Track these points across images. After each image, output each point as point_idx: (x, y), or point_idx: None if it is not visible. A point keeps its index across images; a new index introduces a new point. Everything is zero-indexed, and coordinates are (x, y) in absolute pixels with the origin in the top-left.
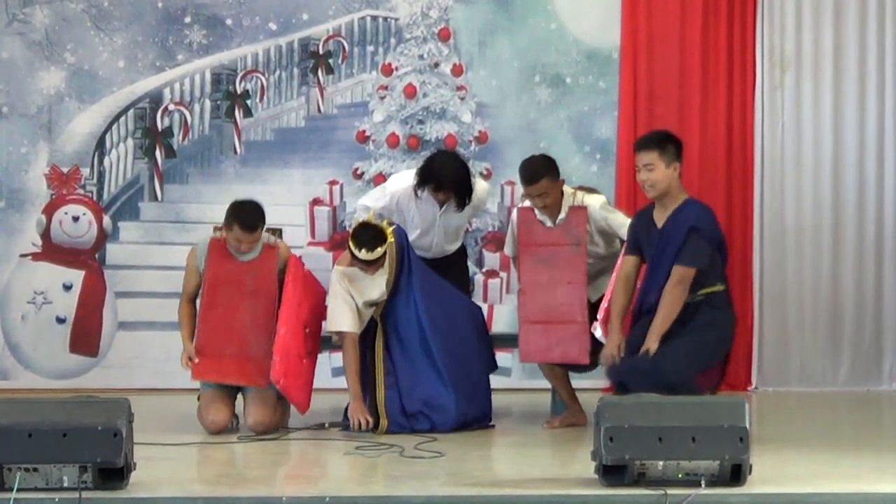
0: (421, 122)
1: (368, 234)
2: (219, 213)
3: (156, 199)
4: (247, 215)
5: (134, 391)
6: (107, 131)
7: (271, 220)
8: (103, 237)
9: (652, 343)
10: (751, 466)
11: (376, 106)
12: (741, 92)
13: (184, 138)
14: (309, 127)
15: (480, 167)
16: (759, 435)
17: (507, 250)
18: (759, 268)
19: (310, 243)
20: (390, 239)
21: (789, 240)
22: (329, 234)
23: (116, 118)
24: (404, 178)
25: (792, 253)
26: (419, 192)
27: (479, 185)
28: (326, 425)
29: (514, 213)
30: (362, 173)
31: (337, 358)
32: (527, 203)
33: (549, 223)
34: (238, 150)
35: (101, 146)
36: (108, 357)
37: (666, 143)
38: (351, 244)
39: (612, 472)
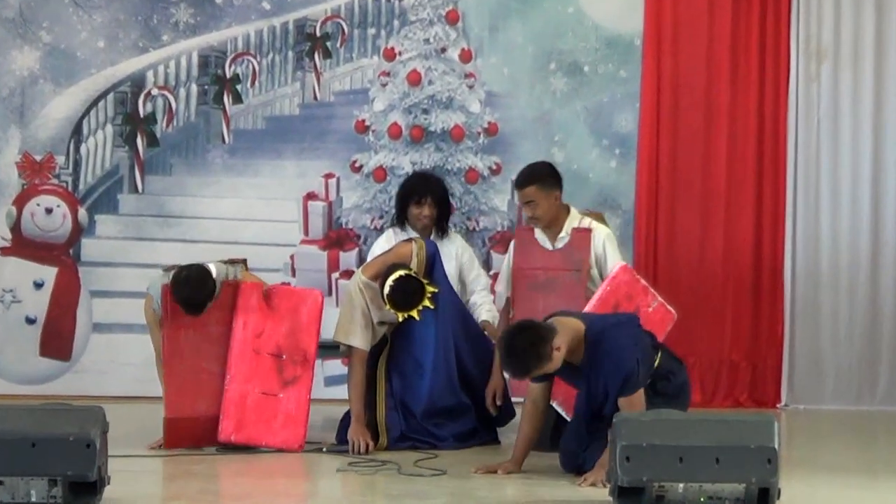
0: (425, 111)
1: (408, 293)
2: (204, 208)
3: (136, 190)
4: (189, 303)
5: (109, 399)
6: (84, 117)
7: (262, 214)
8: (78, 231)
9: (599, 476)
10: (779, 491)
11: (377, 93)
12: (774, 84)
13: (168, 125)
14: (304, 115)
15: (489, 161)
16: (788, 456)
17: (500, 286)
18: (790, 275)
19: (303, 241)
20: (430, 290)
21: (824, 245)
22: (324, 232)
23: (95, 102)
24: (387, 238)
25: (826, 259)
26: (400, 227)
27: (455, 235)
28: (324, 449)
29: (512, 242)
30: (361, 166)
31: (331, 366)
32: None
33: (549, 245)
34: (226, 140)
35: (77, 133)
36: (82, 361)
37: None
38: (389, 307)
39: (628, 495)
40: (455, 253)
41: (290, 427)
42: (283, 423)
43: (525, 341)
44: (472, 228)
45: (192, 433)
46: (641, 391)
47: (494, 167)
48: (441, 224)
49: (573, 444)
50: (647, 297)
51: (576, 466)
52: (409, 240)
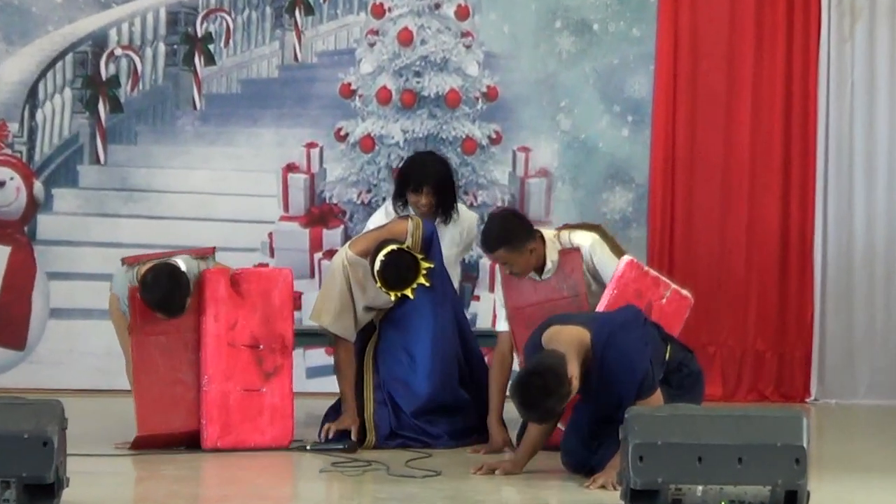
0: (418, 74)
1: (401, 268)
2: (173, 180)
3: (98, 161)
4: (166, 306)
5: (68, 392)
6: (40, 79)
7: (237, 188)
8: (34, 207)
9: (609, 477)
10: (808, 494)
11: (364, 54)
12: (803, 45)
13: (132, 89)
14: (283, 78)
15: (488, 130)
16: (818, 456)
17: (500, 325)
18: (820, 257)
19: (282, 218)
20: (425, 266)
21: (858, 223)
22: (306, 207)
23: (52, 64)
24: (386, 214)
25: (861, 239)
26: (398, 209)
27: (467, 214)
28: (308, 447)
29: (499, 279)
30: (346, 135)
31: (313, 356)
32: None
33: (537, 277)
34: (198, 105)
35: (32, 97)
36: (38, 351)
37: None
38: (380, 286)
39: (641, 498)
40: (459, 237)
41: (278, 422)
42: (269, 419)
43: (542, 391)
44: (469, 203)
45: (166, 447)
46: (659, 391)
47: (494, 136)
48: (444, 210)
49: (574, 444)
50: (658, 290)
51: (583, 467)
52: (406, 216)
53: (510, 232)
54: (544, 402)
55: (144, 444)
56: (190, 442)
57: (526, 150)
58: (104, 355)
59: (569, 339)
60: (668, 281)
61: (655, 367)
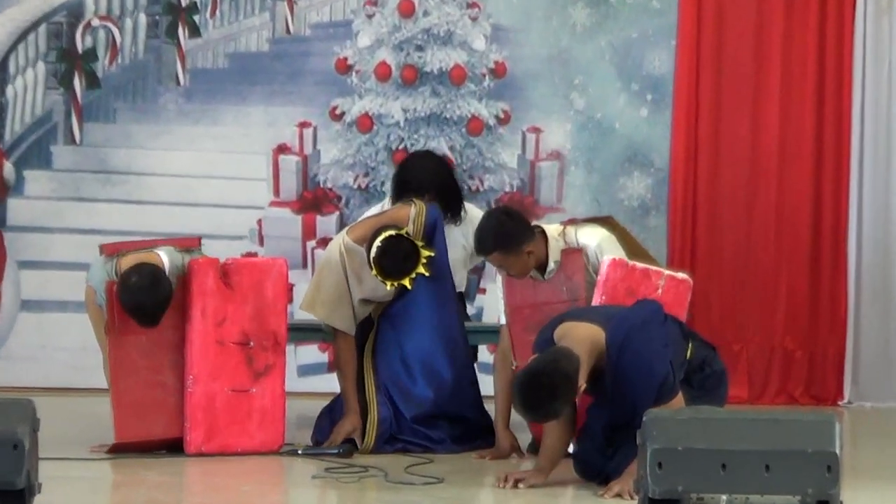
0: (420, 48)
1: (398, 256)
2: (154, 162)
3: (73, 141)
4: (142, 313)
5: (40, 390)
6: (11, 52)
7: (224, 171)
8: (4, 190)
9: (626, 485)
10: (841, 503)
11: (362, 26)
12: (837, 17)
13: (111, 63)
14: (274, 52)
15: (496, 108)
16: (852, 463)
17: (504, 319)
18: (855, 250)
19: (273, 203)
20: (426, 255)
21: None
22: (298, 192)
23: (23, 36)
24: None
25: None
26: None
27: (476, 213)
28: (299, 452)
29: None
30: (342, 113)
31: (305, 353)
32: None
33: (540, 276)
34: (181, 81)
35: (2, 71)
36: (8, 345)
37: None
38: (376, 274)
39: None
40: (466, 240)
41: (268, 425)
42: (258, 421)
43: (549, 391)
44: (475, 189)
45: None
46: (680, 394)
47: (502, 115)
48: (451, 212)
49: (588, 449)
50: (650, 281)
51: (598, 474)
52: (410, 201)
53: (505, 234)
54: (550, 403)
55: (123, 449)
56: (171, 449)
57: (536, 130)
58: (79, 350)
59: (582, 338)
60: (659, 269)
61: (676, 369)
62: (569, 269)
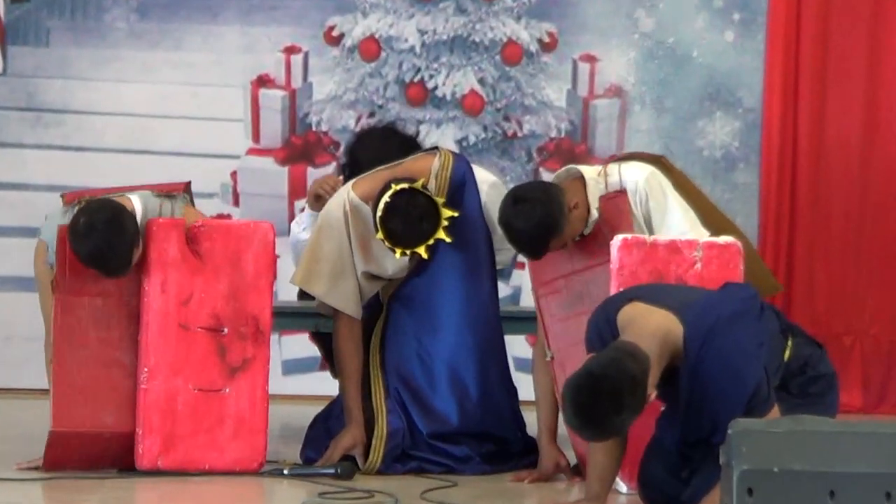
0: None
1: (411, 216)
2: (100, 98)
3: None
4: (99, 259)
5: None
6: None
7: (188, 109)
8: None
9: None
10: None
11: None
12: None
13: None
14: None
15: (539, 30)
16: None
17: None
18: None
19: (251, 151)
20: (448, 215)
21: None
22: (284, 137)
23: None
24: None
25: None
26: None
27: (495, 193)
28: (285, 471)
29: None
30: (341, 35)
31: (291, 345)
32: None
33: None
34: None
35: None
36: None
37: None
38: (383, 239)
39: None
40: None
41: (245, 436)
42: (233, 431)
43: (613, 401)
44: (510, 134)
45: (90, 456)
46: (776, 409)
47: (547, 39)
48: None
49: (658, 472)
50: (680, 257)
51: (670, 502)
52: (434, 149)
53: (545, 224)
54: (613, 417)
55: (58, 450)
56: (125, 452)
57: (591, 59)
58: (2, 341)
59: (652, 329)
60: (692, 240)
61: (771, 375)
62: (613, 219)
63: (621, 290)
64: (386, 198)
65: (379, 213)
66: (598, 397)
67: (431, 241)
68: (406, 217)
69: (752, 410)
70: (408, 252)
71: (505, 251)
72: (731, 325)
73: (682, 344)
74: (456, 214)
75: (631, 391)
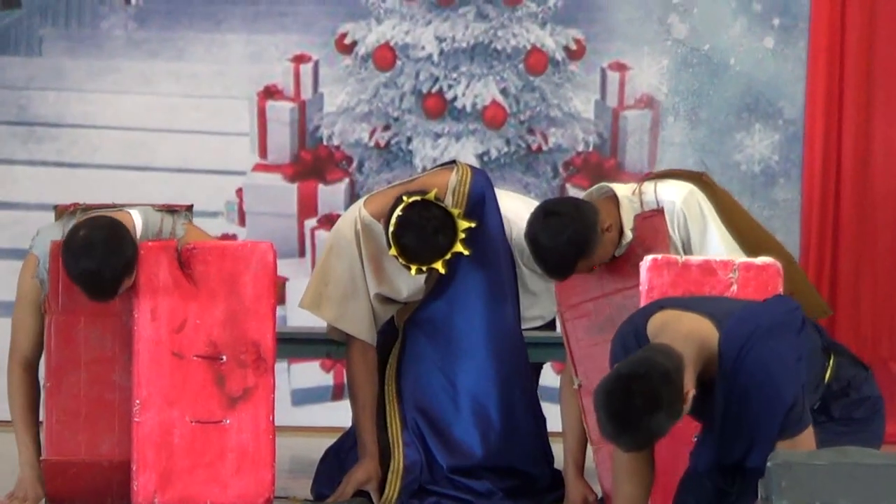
0: None
1: (425, 230)
2: (95, 110)
3: None
4: (91, 281)
5: None
6: None
7: (191, 122)
8: None
9: None
10: None
11: None
12: None
13: None
14: None
15: (565, 37)
16: None
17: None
18: None
19: (258, 167)
20: (465, 226)
21: None
22: (293, 152)
23: None
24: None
25: None
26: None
27: (518, 220)
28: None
29: None
30: (353, 43)
31: (301, 373)
32: None
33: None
34: None
35: None
36: None
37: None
38: (396, 254)
39: None
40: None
41: (249, 471)
42: (236, 465)
43: (648, 401)
44: (535, 148)
45: (92, 487)
46: (811, 429)
47: (574, 47)
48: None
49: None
50: (715, 278)
51: None
52: (452, 163)
53: (574, 242)
54: (649, 418)
55: (60, 492)
56: (124, 480)
57: (621, 68)
58: None
59: (686, 333)
60: (729, 261)
61: (809, 393)
62: (648, 239)
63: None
64: (398, 212)
65: (391, 229)
66: (631, 398)
67: (449, 256)
68: (420, 231)
69: (786, 427)
70: (424, 269)
71: (545, 305)
72: (770, 335)
73: (717, 352)
74: (473, 225)
75: (665, 385)
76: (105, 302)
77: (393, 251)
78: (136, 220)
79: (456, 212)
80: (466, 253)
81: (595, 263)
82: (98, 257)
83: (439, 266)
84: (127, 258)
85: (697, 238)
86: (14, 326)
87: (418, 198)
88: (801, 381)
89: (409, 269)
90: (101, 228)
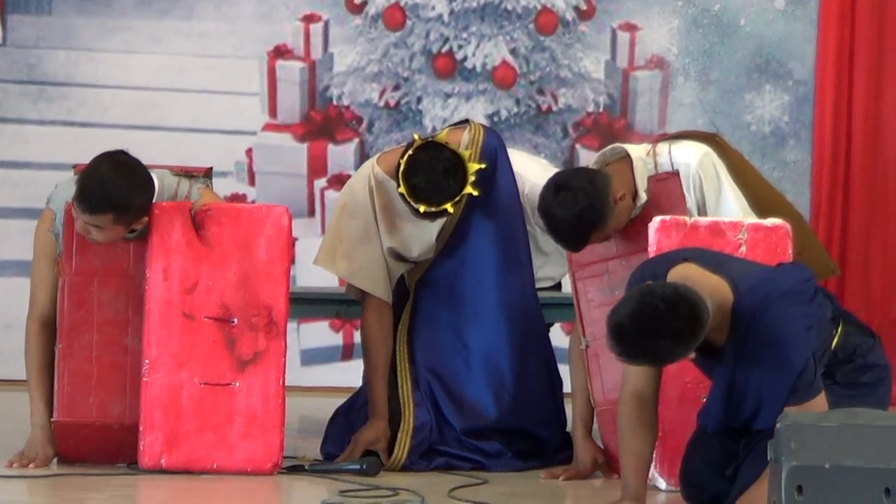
0: None
1: (434, 170)
2: (106, 70)
3: None
4: (90, 189)
5: None
6: None
7: (201, 82)
8: None
9: None
10: None
11: None
12: None
13: None
14: None
15: None
16: None
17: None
18: None
19: (267, 126)
20: (474, 168)
21: None
22: (303, 112)
23: None
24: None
25: None
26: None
27: (532, 183)
28: (306, 467)
29: None
30: (363, 3)
31: (311, 334)
32: None
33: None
34: None
35: None
36: None
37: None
38: (405, 194)
39: None
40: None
41: (257, 434)
42: (244, 428)
43: (667, 311)
44: (545, 108)
45: (103, 448)
46: (823, 397)
47: (584, 7)
48: None
49: (701, 469)
50: (723, 239)
51: (713, 501)
52: (465, 122)
53: (588, 217)
54: (666, 327)
55: (72, 452)
56: (135, 442)
57: (631, 28)
58: (2, 330)
59: (710, 292)
60: (736, 222)
61: (819, 362)
62: (664, 202)
63: (673, 249)
64: (409, 152)
65: (401, 168)
66: (649, 309)
67: (458, 199)
68: (430, 171)
69: (797, 392)
70: (433, 210)
71: (556, 265)
72: (782, 302)
73: (731, 312)
74: (484, 166)
75: (689, 307)
76: (90, 214)
77: (402, 189)
78: (154, 181)
79: (467, 153)
80: (476, 194)
81: (610, 234)
82: (112, 170)
83: (449, 207)
84: (137, 183)
85: (713, 200)
86: (33, 283)
87: (429, 138)
88: (812, 347)
89: (418, 211)
90: (114, 154)
